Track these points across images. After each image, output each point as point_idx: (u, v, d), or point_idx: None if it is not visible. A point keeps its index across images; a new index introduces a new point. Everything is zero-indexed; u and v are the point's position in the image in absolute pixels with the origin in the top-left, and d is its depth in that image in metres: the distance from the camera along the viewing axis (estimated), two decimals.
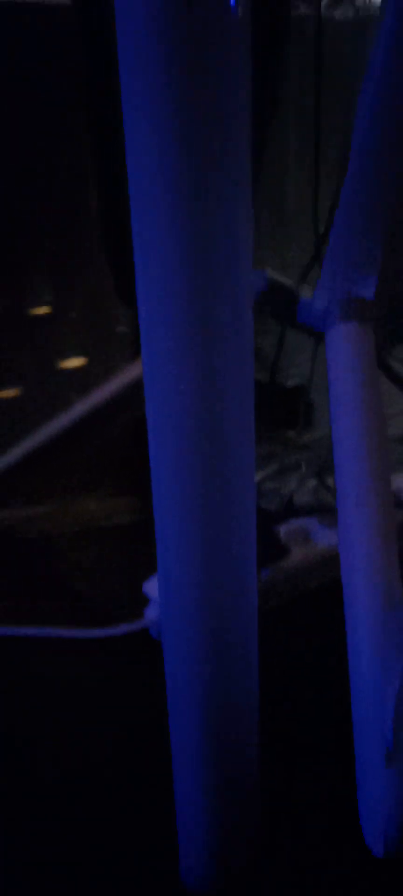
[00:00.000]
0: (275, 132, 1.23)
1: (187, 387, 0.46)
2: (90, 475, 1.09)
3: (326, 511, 0.89)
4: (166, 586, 0.51)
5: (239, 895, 0.56)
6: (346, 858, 0.57)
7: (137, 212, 0.44)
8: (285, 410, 1.30)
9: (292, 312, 0.81)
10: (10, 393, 1.58)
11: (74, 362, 1.68)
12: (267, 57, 1.10)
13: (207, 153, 0.40)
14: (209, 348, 0.45)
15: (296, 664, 0.72)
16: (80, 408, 0.92)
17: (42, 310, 2.13)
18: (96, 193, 1.15)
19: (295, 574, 0.76)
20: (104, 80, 0.99)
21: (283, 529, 0.81)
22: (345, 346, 0.65)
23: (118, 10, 0.40)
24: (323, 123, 1.18)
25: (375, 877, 0.55)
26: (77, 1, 1.00)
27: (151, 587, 0.75)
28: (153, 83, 0.39)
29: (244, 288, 0.45)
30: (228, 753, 0.52)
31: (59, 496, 1.08)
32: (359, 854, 0.52)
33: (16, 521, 1.05)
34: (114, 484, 1.11)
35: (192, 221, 0.42)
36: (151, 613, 0.75)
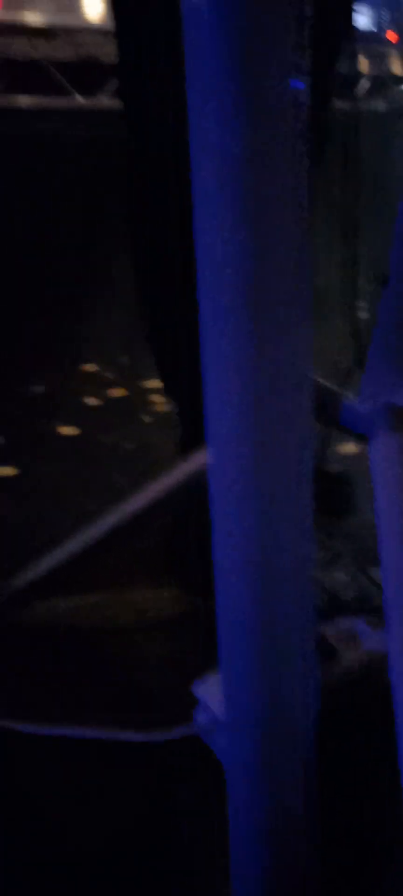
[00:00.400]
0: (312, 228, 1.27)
1: (247, 475, 0.48)
2: (139, 567, 1.12)
3: (372, 607, 0.90)
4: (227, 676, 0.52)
5: None
6: None
7: (205, 316, 0.47)
8: (329, 497, 1.31)
9: (335, 416, 0.83)
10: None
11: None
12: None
13: (272, 268, 0.44)
14: (269, 445, 0.48)
15: (348, 770, 0.72)
16: (134, 502, 0.95)
17: (93, 400, 2.20)
18: (142, 298, 1.19)
19: (344, 678, 0.76)
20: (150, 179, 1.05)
21: (330, 630, 0.82)
22: (389, 457, 0.67)
23: (191, 118, 0.44)
24: (360, 218, 1.22)
25: None
26: (129, 108, 1.05)
27: (202, 689, 0.76)
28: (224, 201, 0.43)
29: (303, 385, 0.48)
30: (287, 872, 0.53)
31: (109, 587, 1.11)
32: None
33: (67, 612, 1.08)
34: (161, 576, 1.13)
35: (256, 325, 0.45)
36: (202, 717, 0.75)
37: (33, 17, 1.96)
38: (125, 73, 0.96)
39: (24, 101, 2.03)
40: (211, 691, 0.74)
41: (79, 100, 2.13)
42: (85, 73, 2.12)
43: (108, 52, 2.14)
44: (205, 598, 1.06)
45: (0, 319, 2.36)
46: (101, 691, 0.93)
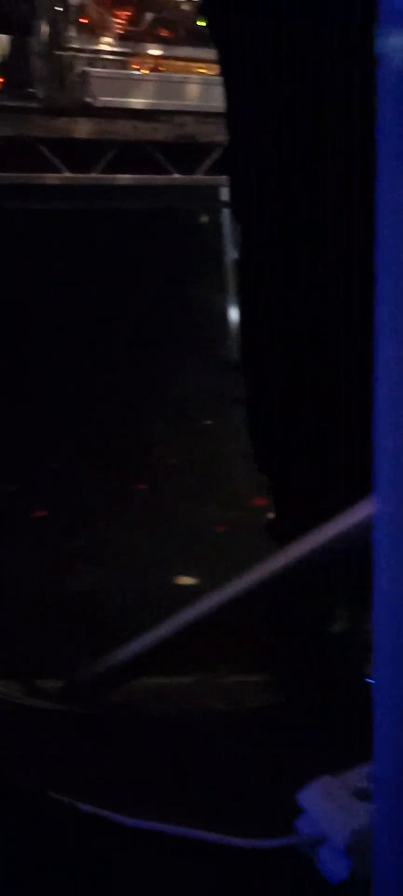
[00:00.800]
0: None
1: None
2: (231, 650, 1.08)
3: None
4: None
5: None
6: None
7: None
8: None
9: None
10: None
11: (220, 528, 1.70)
12: None
13: None
14: None
15: None
16: (230, 587, 0.92)
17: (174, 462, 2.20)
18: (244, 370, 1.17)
19: None
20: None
21: None
22: None
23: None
24: None
25: None
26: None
27: (307, 798, 0.70)
28: None
29: None
30: None
31: (200, 669, 1.07)
32: None
33: (156, 692, 1.05)
34: (254, 662, 1.08)
35: None
36: (305, 827, 0.70)
37: (137, 101, 2.04)
38: (236, 155, 0.97)
39: (123, 179, 2.11)
40: (318, 802, 0.69)
41: (177, 177, 2.19)
42: (183, 152, 2.19)
43: (205, 132, 2.20)
44: (303, 690, 1.00)
45: (84, 383, 2.42)
46: (191, 781, 0.89)
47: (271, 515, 1.19)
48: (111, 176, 2.07)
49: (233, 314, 3.06)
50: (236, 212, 1.01)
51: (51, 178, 1.98)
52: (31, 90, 1.91)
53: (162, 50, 2.13)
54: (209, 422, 2.43)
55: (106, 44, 2.03)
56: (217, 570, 1.49)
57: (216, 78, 2.20)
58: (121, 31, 2.06)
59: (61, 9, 1.95)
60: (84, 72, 1.96)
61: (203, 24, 2.23)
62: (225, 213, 3.05)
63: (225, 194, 2.98)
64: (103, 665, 1.00)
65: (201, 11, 1.08)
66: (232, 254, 3.03)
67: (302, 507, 1.00)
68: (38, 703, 1.00)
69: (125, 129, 2.03)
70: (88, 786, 0.85)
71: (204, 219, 3.05)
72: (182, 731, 0.97)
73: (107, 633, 1.16)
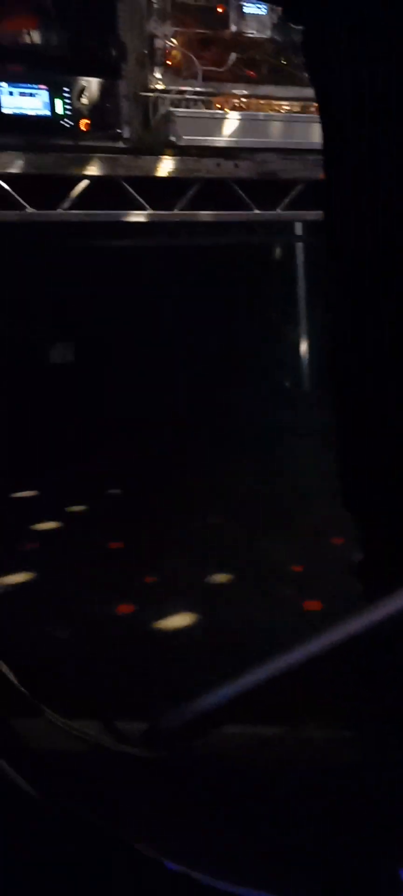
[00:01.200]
0: None
1: None
2: (316, 702, 1.03)
3: None
4: None
5: None
6: None
7: None
8: None
9: None
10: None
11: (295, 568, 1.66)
12: None
13: None
14: None
15: None
16: (329, 636, 0.88)
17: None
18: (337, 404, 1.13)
19: None
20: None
21: None
22: None
23: None
24: None
25: None
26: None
27: None
28: None
29: None
30: None
31: (283, 721, 1.03)
32: None
33: (237, 743, 1.01)
34: (340, 715, 1.04)
35: None
36: None
37: (220, 139, 2.06)
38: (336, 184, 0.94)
39: (205, 215, 2.13)
40: None
41: (258, 213, 2.19)
42: (264, 189, 2.19)
43: (286, 169, 2.20)
44: (395, 749, 0.95)
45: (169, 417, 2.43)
46: (277, 841, 0.85)
47: (359, 557, 1.14)
48: (193, 213, 2.09)
49: (310, 347, 3.03)
50: (330, 245, 0.99)
51: (135, 216, 2.01)
52: (117, 131, 1.96)
53: (245, 89, 2.14)
54: (280, 456, 2.40)
55: (190, 84, 2.05)
56: (296, 611, 1.45)
57: (298, 115, 2.21)
58: (206, 72, 2.08)
59: (147, 52, 1.99)
60: (169, 112, 1.99)
61: (285, 63, 2.23)
62: (300, 248, 3.04)
63: (299, 229, 2.97)
64: (186, 711, 0.97)
65: (301, 50, 1.07)
66: (305, 287, 3.02)
67: (399, 552, 0.96)
68: (119, 747, 0.98)
69: (208, 167, 2.05)
70: (170, 839, 0.82)
71: (280, 253, 3.04)
72: (266, 785, 0.93)
73: (190, 675, 1.14)
